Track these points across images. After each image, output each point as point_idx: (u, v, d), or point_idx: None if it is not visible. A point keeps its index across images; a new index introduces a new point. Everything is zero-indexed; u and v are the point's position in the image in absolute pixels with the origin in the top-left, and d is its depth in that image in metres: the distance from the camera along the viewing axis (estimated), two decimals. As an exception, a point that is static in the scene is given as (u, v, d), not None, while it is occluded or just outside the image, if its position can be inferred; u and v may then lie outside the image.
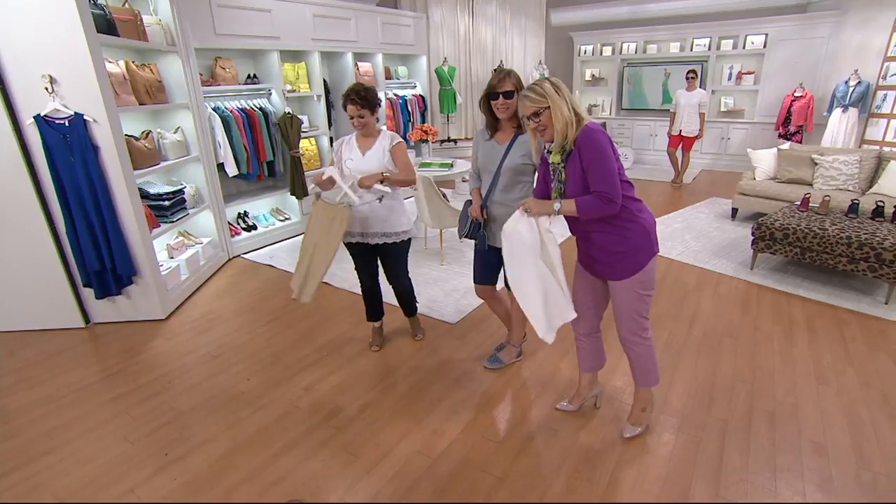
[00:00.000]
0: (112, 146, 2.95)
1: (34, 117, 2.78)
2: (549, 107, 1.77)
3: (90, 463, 2.10)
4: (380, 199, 2.50)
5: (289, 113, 4.69)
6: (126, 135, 3.21)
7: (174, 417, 2.38)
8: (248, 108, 4.57)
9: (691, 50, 7.88)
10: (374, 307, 2.91)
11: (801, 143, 6.68)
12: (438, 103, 7.79)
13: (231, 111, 4.40)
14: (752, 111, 7.66)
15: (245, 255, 4.59)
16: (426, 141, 5.80)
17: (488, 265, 2.52)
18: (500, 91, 2.19)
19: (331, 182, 2.46)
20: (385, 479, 1.98)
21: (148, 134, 3.56)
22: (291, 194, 4.96)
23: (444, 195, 4.05)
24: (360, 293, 2.89)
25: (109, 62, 3.16)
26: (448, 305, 3.44)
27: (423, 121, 6.85)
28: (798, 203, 4.26)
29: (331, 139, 5.52)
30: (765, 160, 5.25)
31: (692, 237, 4.76)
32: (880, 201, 3.88)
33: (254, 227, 4.89)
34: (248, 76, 4.79)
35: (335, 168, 2.51)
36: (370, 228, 2.59)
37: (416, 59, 6.93)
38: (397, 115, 6.47)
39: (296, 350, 2.96)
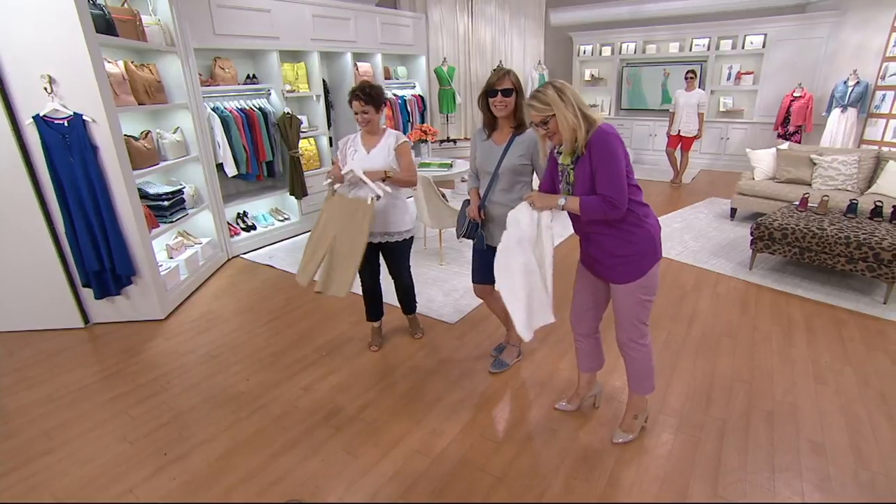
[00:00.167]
0: (111, 146, 2.95)
1: (33, 117, 2.78)
2: (554, 114, 1.74)
3: (89, 463, 2.11)
4: (377, 198, 2.50)
5: (288, 113, 4.69)
6: (125, 135, 3.21)
7: (173, 417, 2.38)
8: (247, 108, 4.57)
9: (690, 50, 7.89)
10: (373, 307, 2.92)
11: (799, 143, 6.69)
12: (438, 103, 7.79)
13: (230, 111, 4.40)
14: (751, 111, 7.67)
15: (244, 256, 4.59)
16: (425, 141, 5.80)
17: (487, 265, 2.52)
18: (499, 88, 2.19)
19: (341, 178, 2.49)
20: (384, 478, 1.98)
21: (147, 134, 3.57)
22: (291, 194, 4.96)
23: (444, 195, 4.06)
24: (360, 293, 2.90)
25: (108, 62, 3.16)
26: (447, 305, 3.45)
27: (423, 121, 6.85)
28: (797, 203, 4.26)
29: (330, 139, 5.53)
30: (764, 160, 5.26)
31: (691, 237, 4.76)
32: (879, 201, 3.89)
33: (253, 228, 4.89)
34: (248, 76, 4.79)
35: (359, 163, 2.51)
36: (373, 227, 2.60)
37: (415, 60, 6.93)
38: (396, 116, 6.47)
39: (295, 350, 2.96)
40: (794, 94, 6.85)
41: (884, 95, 6.15)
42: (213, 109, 4.29)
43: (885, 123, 6.11)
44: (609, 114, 8.81)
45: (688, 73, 6.52)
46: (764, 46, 7.25)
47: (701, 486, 1.91)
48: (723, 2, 7.52)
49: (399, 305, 3.03)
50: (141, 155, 3.37)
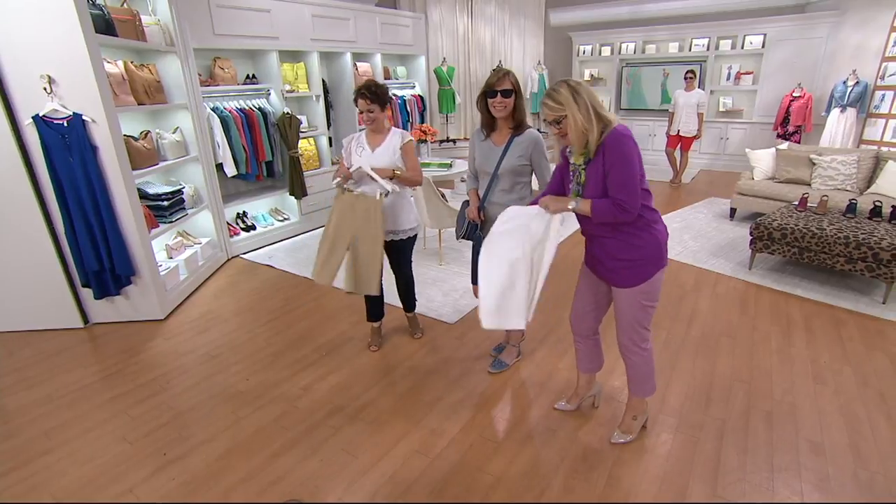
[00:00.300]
0: (111, 146, 2.95)
1: (33, 117, 2.78)
2: (567, 115, 1.71)
3: (89, 463, 2.11)
4: (386, 195, 2.51)
5: (288, 113, 4.69)
6: (125, 135, 3.21)
7: (173, 417, 2.38)
8: (246, 108, 4.57)
9: (690, 50, 7.89)
10: (375, 307, 2.92)
11: (799, 143, 6.69)
12: (437, 103, 7.80)
13: (230, 111, 4.40)
14: (750, 111, 7.67)
15: (244, 256, 4.59)
16: (425, 141, 5.81)
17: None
18: (499, 89, 2.19)
19: (349, 175, 2.51)
20: (384, 478, 1.99)
21: (147, 134, 3.57)
22: (290, 194, 4.96)
23: (443, 195, 4.06)
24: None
25: (108, 62, 3.16)
26: (446, 305, 3.45)
27: (422, 121, 6.85)
28: (796, 203, 4.27)
29: (330, 139, 5.53)
30: (763, 160, 5.26)
31: (690, 237, 4.77)
32: (878, 201, 3.89)
33: (253, 228, 4.89)
34: (247, 76, 4.79)
35: (365, 161, 2.53)
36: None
37: (414, 60, 6.93)
38: (396, 116, 6.47)
39: (295, 350, 2.96)
40: (794, 94, 6.85)
41: (883, 95, 6.15)
42: (213, 109, 4.29)
43: (885, 123, 6.12)
44: (609, 114, 8.81)
45: (687, 73, 6.53)
46: (763, 46, 7.25)
47: (700, 486, 1.91)
48: (722, 2, 7.52)
49: (399, 304, 3.03)
50: (140, 155, 3.37)
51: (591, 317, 2.13)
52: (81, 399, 2.54)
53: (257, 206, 5.08)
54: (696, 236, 4.79)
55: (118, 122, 3.05)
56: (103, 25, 3.05)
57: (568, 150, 1.88)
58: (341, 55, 5.54)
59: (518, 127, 2.29)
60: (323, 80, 5.44)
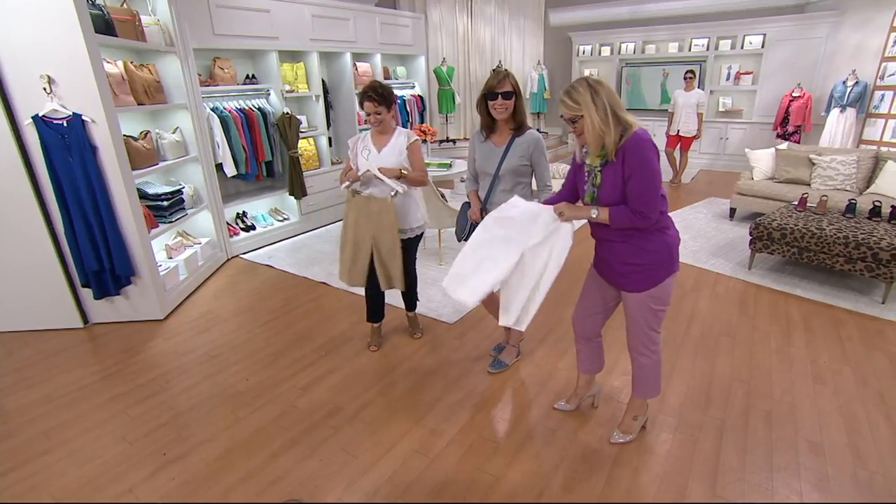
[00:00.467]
0: (110, 146, 2.95)
1: (32, 117, 2.78)
2: (583, 115, 1.67)
3: (88, 463, 2.11)
4: (394, 195, 2.52)
5: (287, 113, 4.69)
6: (124, 135, 3.21)
7: (172, 417, 2.38)
8: (246, 108, 4.57)
9: (689, 50, 7.90)
10: (376, 307, 2.92)
11: (798, 143, 6.70)
12: (437, 103, 7.80)
13: (229, 111, 4.40)
14: (750, 111, 7.68)
15: (243, 256, 4.59)
16: (425, 141, 5.81)
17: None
18: (500, 91, 2.19)
19: (358, 177, 2.53)
20: (383, 478, 1.99)
21: (146, 134, 3.56)
22: (290, 195, 4.96)
23: (443, 195, 4.06)
24: (363, 293, 2.89)
25: (108, 62, 3.15)
26: (446, 305, 3.45)
27: (422, 121, 6.85)
28: (796, 203, 4.27)
29: (329, 139, 5.53)
30: (763, 160, 5.27)
31: (690, 237, 4.77)
32: (877, 201, 3.89)
33: (252, 228, 4.89)
34: (247, 76, 4.79)
35: (372, 163, 2.54)
36: None
37: (414, 60, 6.93)
38: (396, 116, 6.46)
39: (294, 350, 2.96)
40: (793, 94, 6.86)
41: (882, 95, 6.16)
42: (213, 109, 4.29)
43: (884, 123, 6.12)
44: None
45: (687, 73, 6.53)
46: (763, 46, 7.26)
47: (700, 486, 1.92)
48: (722, 2, 7.53)
49: (398, 304, 3.03)
50: (140, 155, 3.37)
51: (596, 320, 2.12)
52: (81, 399, 2.54)
53: (257, 207, 5.08)
54: (696, 236, 4.79)
55: (118, 122, 3.05)
56: (103, 25, 3.05)
57: (584, 149, 1.84)
58: (341, 55, 5.54)
59: (519, 128, 2.30)
60: (323, 81, 5.44)
